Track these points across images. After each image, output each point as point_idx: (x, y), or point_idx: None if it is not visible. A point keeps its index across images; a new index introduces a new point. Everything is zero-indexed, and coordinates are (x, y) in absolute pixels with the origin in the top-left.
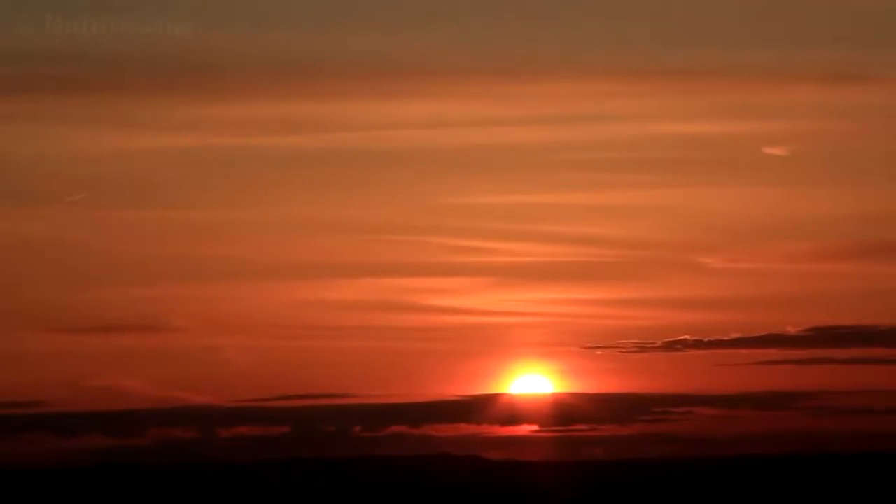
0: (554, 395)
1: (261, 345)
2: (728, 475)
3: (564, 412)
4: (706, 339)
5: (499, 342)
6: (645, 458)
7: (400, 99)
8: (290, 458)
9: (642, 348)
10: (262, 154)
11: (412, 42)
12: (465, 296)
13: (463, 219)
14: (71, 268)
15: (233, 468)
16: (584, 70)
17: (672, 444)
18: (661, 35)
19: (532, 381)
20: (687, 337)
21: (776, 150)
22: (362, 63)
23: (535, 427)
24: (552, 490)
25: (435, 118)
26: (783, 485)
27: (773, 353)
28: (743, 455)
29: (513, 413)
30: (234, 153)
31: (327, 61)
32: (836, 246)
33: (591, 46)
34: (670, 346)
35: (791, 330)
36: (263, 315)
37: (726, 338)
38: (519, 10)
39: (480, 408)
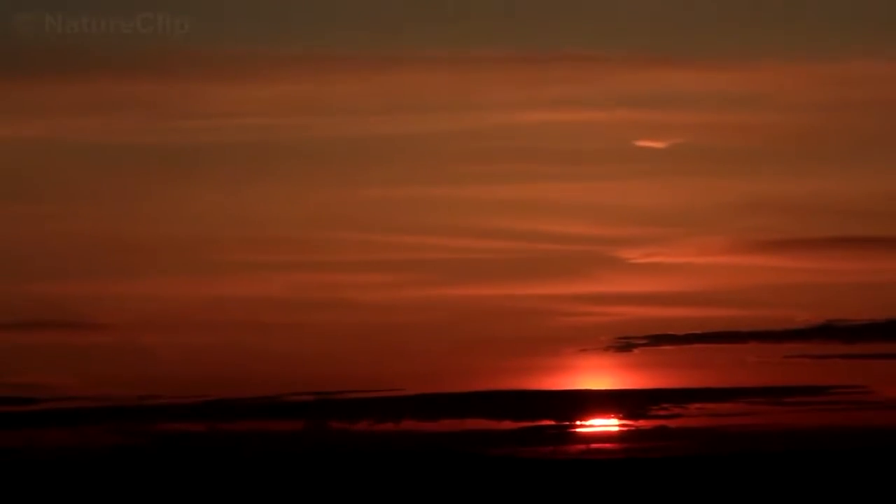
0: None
1: (188, 342)
2: (728, 474)
3: (567, 411)
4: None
5: (460, 339)
6: (651, 455)
7: (263, 85)
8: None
9: (628, 345)
10: (153, 145)
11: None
12: (398, 290)
13: (373, 212)
14: None
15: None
16: (443, 59)
17: (677, 442)
18: (516, 21)
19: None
20: (671, 332)
21: (658, 143)
22: (220, 48)
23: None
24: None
25: (306, 107)
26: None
27: (754, 347)
28: (744, 453)
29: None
30: (117, 143)
31: (190, 46)
32: (747, 240)
33: (445, 35)
34: (656, 340)
35: (777, 326)
36: (186, 312)
37: (680, 333)
38: None
39: (468, 405)
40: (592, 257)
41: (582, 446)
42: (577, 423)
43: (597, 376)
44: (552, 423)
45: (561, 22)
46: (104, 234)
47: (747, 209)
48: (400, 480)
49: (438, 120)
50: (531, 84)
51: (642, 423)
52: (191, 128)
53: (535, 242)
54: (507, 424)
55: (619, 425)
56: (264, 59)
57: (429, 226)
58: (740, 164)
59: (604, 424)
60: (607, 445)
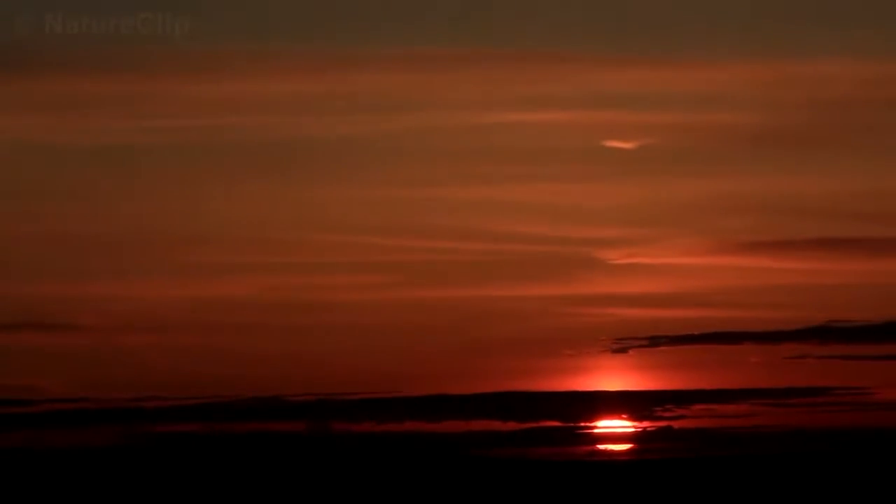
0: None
1: (174, 343)
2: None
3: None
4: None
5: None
6: (660, 456)
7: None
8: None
9: (624, 347)
10: (138, 144)
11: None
12: (378, 292)
13: (348, 213)
14: None
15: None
16: (408, 58)
17: (683, 443)
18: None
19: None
20: (665, 334)
21: (626, 144)
22: (196, 47)
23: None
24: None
25: (287, 106)
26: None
27: (750, 348)
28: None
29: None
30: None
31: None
32: (727, 240)
33: (412, 33)
34: (653, 342)
35: (770, 327)
36: (170, 312)
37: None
38: None
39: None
40: (571, 258)
41: (590, 447)
42: (583, 424)
43: (596, 377)
44: (558, 424)
45: (528, 21)
46: (86, 235)
47: (722, 210)
48: (400, 482)
49: (400, 120)
50: (499, 83)
51: (647, 425)
52: (168, 127)
53: (511, 243)
54: (512, 425)
55: (626, 426)
56: (240, 57)
57: (399, 227)
58: (710, 164)
59: (609, 426)
60: (616, 446)
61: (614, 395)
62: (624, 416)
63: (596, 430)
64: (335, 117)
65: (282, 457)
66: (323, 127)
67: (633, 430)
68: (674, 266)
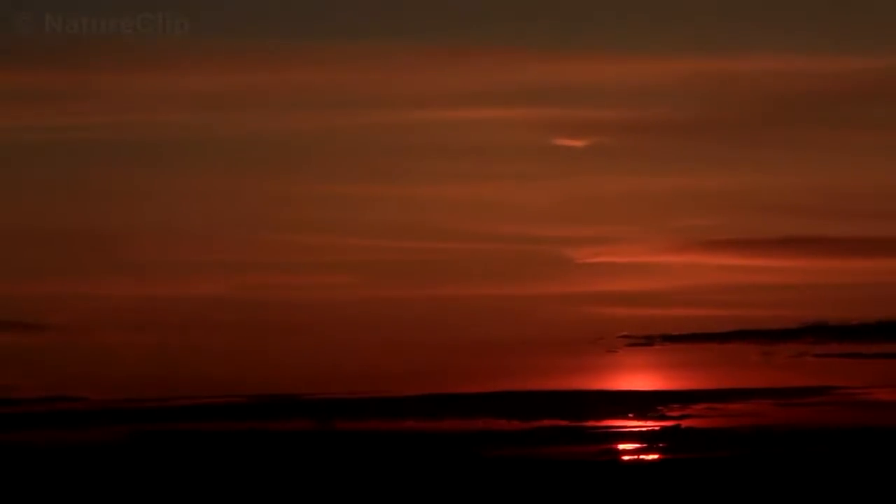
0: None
1: (147, 341)
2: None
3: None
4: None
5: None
6: (669, 455)
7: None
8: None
9: (613, 346)
10: (107, 140)
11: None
12: (351, 291)
13: (306, 212)
14: None
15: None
16: (350, 53)
17: (692, 442)
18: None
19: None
20: (651, 332)
21: (576, 142)
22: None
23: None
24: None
25: (244, 102)
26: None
27: (746, 346)
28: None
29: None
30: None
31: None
32: (693, 239)
33: (363, 28)
34: (648, 340)
35: (758, 325)
36: (139, 311)
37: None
38: None
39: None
40: (537, 257)
41: (600, 446)
42: (590, 423)
43: (593, 376)
44: (565, 423)
45: (473, 16)
46: (53, 231)
47: (681, 208)
48: (403, 480)
49: (353, 116)
50: (446, 79)
51: (653, 423)
52: (143, 122)
53: (473, 242)
54: (516, 424)
55: (633, 425)
56: (202, 52)
57: (360, 225)
58: (663, 162)
59: (615, 424)
60: (626, 445)
61: (617, 394)
62: (630, 415)
63: (603, 429)
64: (288, 114)
65: (282, 455)
66: (278, 123)
67: (642, 429)
68: (644, 264)
